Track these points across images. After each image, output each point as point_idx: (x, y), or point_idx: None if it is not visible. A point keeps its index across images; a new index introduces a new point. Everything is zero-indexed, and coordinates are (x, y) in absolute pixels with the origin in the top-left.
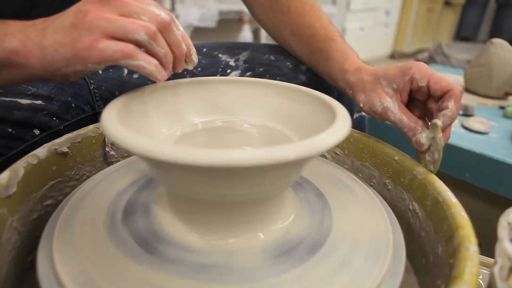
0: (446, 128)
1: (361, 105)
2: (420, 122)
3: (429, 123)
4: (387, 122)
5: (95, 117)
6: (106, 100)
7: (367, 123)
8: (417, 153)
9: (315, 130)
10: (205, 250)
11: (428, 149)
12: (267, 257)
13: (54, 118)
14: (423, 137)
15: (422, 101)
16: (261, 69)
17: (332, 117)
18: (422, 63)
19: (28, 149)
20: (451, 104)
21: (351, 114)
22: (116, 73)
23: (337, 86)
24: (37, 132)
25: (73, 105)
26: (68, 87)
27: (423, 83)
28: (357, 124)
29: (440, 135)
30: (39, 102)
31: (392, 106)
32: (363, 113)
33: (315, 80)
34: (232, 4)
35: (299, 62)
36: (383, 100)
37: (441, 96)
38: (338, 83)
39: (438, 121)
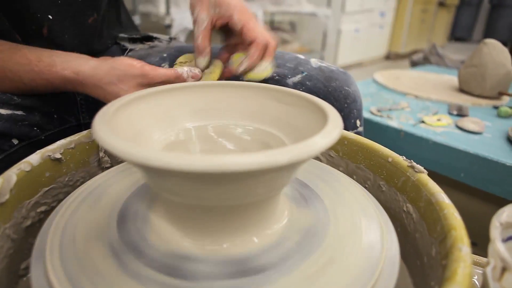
0: (242, 72)
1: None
2: (208, 49)
3: (215, 59)
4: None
5: (79, 128)
6: (92, 112)
7: None
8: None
9: (308, 133)
10: (199, 255)
11: (202, 71)
12: (262, 260)
13: (35, 128)
14: (202, 61)
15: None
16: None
17: (324, 120)
18: (244, 8)
19: (7, 159)
20: (251, 51)
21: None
22: None
23: None
24: (15, 141)
25: (55, 116)
26: (55, 98)
27: (237, 27)
28: None
29: (215, 73)
30: (19, 112)
31: (201, 21)
32: (359, 130)
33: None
34: None
35: (286, 73)
36: (201, 13)
37: (249, 43)
38: None
39: (219, 62)
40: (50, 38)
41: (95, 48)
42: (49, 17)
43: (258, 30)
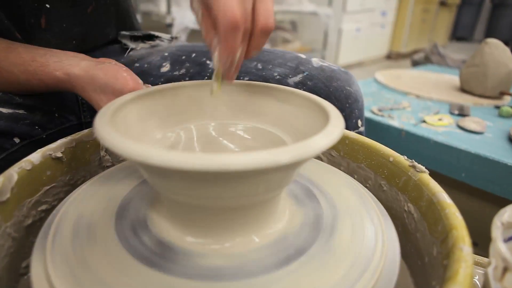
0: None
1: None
2: (214, 42)
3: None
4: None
5: (80, 127)
6: (93, 111)
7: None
8: None
9: (309, 133)
10: (201, 254)
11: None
12: (262, 259)
13: (37, 127)
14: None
15: None
16: (246, 78)
17: (325, 119)
18: None
19: (8, 157)
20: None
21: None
22: None
23: None
24: (17, 140)
25: (56, 115)
26: (56, 97)
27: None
28: None
29: (216, 72)
30: (21, 111)
31: (196, 10)
32: (360, 130)
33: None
34: None
35: (287, 73)
36: (193, 2)
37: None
38: None
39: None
40: (48, 29)
41: (97, 40)
42: (46, 6)
43: (221, 7)
